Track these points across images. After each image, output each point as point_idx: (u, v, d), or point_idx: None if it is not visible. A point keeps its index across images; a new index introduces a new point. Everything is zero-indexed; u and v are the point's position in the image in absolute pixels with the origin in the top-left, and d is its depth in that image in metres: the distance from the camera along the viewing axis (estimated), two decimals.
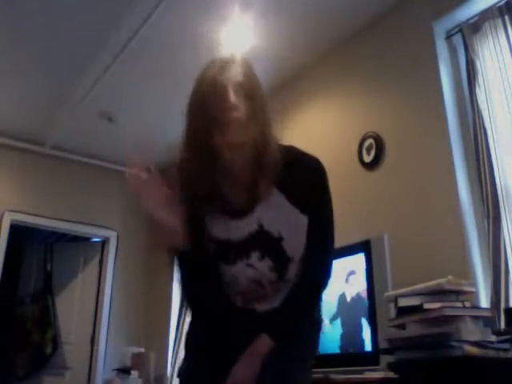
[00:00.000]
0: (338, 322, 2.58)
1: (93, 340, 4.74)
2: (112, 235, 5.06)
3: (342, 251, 2.52)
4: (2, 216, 4.49)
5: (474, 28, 2.56)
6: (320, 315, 1.42)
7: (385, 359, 2.00)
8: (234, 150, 1.19)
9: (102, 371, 4.61)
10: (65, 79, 3.81)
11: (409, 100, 2.83)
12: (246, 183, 1.24)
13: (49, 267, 5.15)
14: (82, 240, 5.25)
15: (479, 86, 2.44)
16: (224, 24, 3.12)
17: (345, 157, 3.08)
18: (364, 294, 2.48)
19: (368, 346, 2.41)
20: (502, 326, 1.96)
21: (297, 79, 3.63)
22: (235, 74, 1.20)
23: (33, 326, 4.94)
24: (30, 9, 3.09)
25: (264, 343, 1.21)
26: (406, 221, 2.63)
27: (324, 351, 2.46)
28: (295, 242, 1.27)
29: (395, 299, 1.93)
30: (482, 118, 2.38)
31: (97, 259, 5.06)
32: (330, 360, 2.46)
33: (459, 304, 1.73)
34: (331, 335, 2.58)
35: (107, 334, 4.75)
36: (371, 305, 2.38)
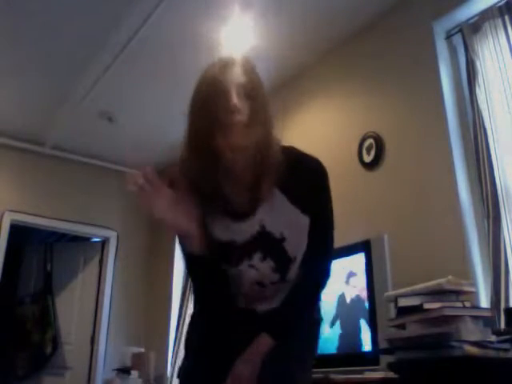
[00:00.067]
0: (337, 322, 2.58)
1: (93, 340, 4.74)
2: (112, 235, 5.06)
3: (342, 251, 2.52)
4: (2, 216, 4.49)
5: (473, 28, 2.56)
6: (319, 315, 1.42)
7: (385, 359, 2.00)
8: (236, 152, 1.19)
9: (102, 371, 4.62)
10: (65, 79, 3.81)
11: (409, 100, 2.83)
12: (248, 183, 1.24)
13: (49, 267, 5.15)
14: (82, 240, 5.25)
15: (479, 86, 2.44)
16: (224, 24, 3.12)
17: (345, 157, 3.08)
18: (364, 296, 2.48)
19: (366, 347, 2.42)
20: (502, 325, 1.96)
21: (297, 79, 3.63)
22: (238, 74, 1.20)
23: (33, 326, 4.95)
24: (29, 9, 3.09)
25: (264, 342, 1.21)
26: (406, 221, 2.63)
27: (322, 351, 2.47)
28: (297, 243, 1.27)
29: (395, 299, 1.93)
30: (482, 118, 2.38)
31: (97, 259, 5.06)
32: (330, 360, 2.47)
33: (459, 304, 1.73)
34: (330, 335, 2.58)
35: (107, 334, 4.76)
36: (371, 305, 2.38)
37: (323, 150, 2.98)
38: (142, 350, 4.43)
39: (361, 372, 2.18)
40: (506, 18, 2.40)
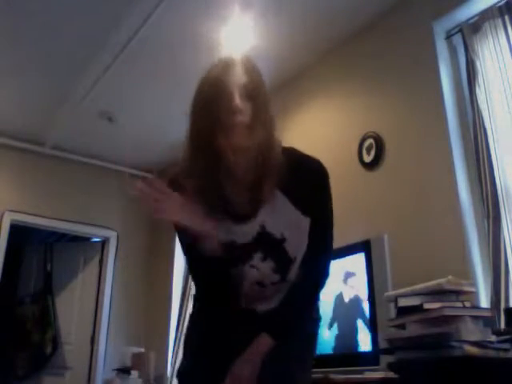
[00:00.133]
0: (335, 323, 2.59)
1: (93, 340, 4.74)
2: (112, 235, 5.06)
3: (342, 251, 2.52)
4: (2, 216, 4.49)
5: (473, 28, 2.56)
6: (318, 314, 1.42)
7: (385, 359, 2.00)
8: (238, 153, 1.19)
9: (102, 371, 4.61)
10: (65, 79, 3.81)
11: (409, 100, 2.83)
12: (249, 184, 1.24)
13: (49, 267, 5.15)
14: (82, 240, 5.25)
15: (479, 86, 2.44)
16: (224, 24, 3.12)
17: (345, 157, 3.08)
18: (362, 297, 2.49)
19: (363, 348, 2.43)
20: (502, 325, 1.96)
21: (297, 79, 3.63)
22: (240, 75, 1.20)
23: (33, 326, 4.94)
24: (30, 9, 3.09)
25: (264, 342, 1.21)
26: (406, 221, 2.63)
27: (320, 352, 2.47)
28: (297, 243, 1.27)
29: (395, 299, 1.93)
30: (482, 118, 2.38)
31: (97, 259, 5.06)
32: (328, 360, 2.47)
33: (459, 304, 1.73)
34: (327, 335, 2.58)
35: (107, 334, 4.76)
36: (371, 305, 2.38)
37: (323, 150, 2.99)
38: (142, 350, 4.43)
39: (361, 372, 2.18)
40: (506, 18, 2.40)
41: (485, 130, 2.36)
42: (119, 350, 4.57)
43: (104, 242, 5.10)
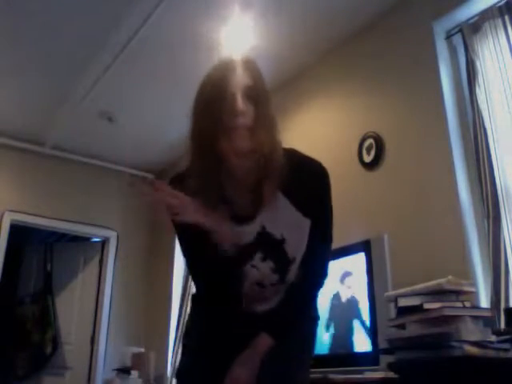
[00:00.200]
0: (331, 323, 2.59)
1: (93, 340, 4.74)
2: (112, 235, 5.06)
3: (342, 251, 2.53)
4: (2, 216, 4.49)
5: (474, 28, 2.56)
6: (317, 313, 1.42)
7: (385, 359, 2.00)
8: (240, 156, 1.19)
9: (102, 371, 4.61)
10: (65, 79, 3.81)
11: (409, 100, 2.83)
12: (250, 185, 1.24)
13: (49, 267, 5.15)
14: (82, 240, 5.25)
15: (479, 86, 2.44)
16: (224, 24, 3.12)
17: (345, 157, 3.08)
18: (358, 297, 2.49)
19: (358, 348, 2.44)
20: (502, 325, 1.96)
21: (297, 79, 3.63)
22: (243, 77, 1.20)
23: (33, 326, 4.94)
24: (30, 9, 3.09)
25: (263, 342, 1.21)
26: (406, 221, 2.63)
27: (318, 352, 2.47)
28: (297, 244, 1.28)
29: (395, 299, 1.93)
30: (482, 118, 2.38)
31: (97, 259, 5.06)
32: (327, 360, 2.47)
33: (459, 304, 1.73)
34: (324, 335, 2.59)
35: (107, 334, 4.75)
36: (371, 305, 2.38)
37: (323, 150, 3.00)
38: (142, 350, 4.43)
39: (361, 372, 2.18)
40: (506, 18, 2.40)
41: (485, 129, 2.36)
42: (119, 350, 4.57)
43: (104, 242, 5.09)
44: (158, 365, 4.36)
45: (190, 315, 1.49)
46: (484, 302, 2.21)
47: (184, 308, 4.27)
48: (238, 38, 3.23)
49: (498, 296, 2.09)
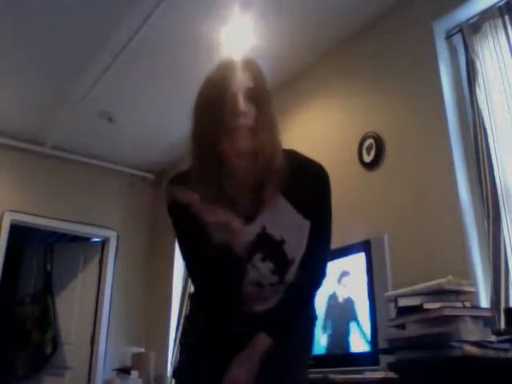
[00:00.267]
0: (328, 322, 2.60)
1: (93, 340, 4.74)
2: (112, 235, 5.06)
3: (342, 251, 2.53)
4: (2, 216, 4.49)
5: (474, 28, 2.56)
6: (314, 312, 1.42)
7: (385, 359, 2.00)
8: (241, 157, 1.19)
9: (102, 371, 4.61)
10: (65, 79, 3.81)
11: (409, 100, 2.83)
12: (250, 186, 1.25)
13: (49, 267, 5.15)
14: (82, 240, 5.25)
15: (479, 86, 2.44)
16: (224, 24, 3.12)
17: (345, 157, 3.08)
18: (354, 297, 2.50)
19: (354, 348, 2.44)
20: (502, 325, 1.96)
21: (297, 79, 3.63)
22: (245, 77, 1.21)
23: (33, 326, 4.94)
24: (30, 9, 3.09)
25: (262, 342, 1.21)
26: (406, 221, 2.63)
27: (315, 352, 2.48)
28: (296, 246, 1.28)
29: (395, 299, 1.93)
30: (482, 118, 2.38)
31: (97, 259, 5.06)
32: (328, 360, 2.47)
33: (459, 304, 1.73)
34: (320, 334, 2.59)
35: (107, 334, 4.75)
36: (371, 305, 2.38)
37: (323, 150, 3.00)
38: (142, 350, 4.43)
39: (361, 372, 2.18)
40: (506, 18, 2.40)
41: (485, 129, 2.36)
42: (119, 350, 4.57)
43: (104, 242, 5.09)
44: (158, 365, 4.37)
45: (188, 314, 1.49)
46: (484, 302, 2.21)
47: (184, 308, 4.27)
48: (238, 38, 3.23)
49: (498, 296, 2.09)
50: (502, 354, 1.61)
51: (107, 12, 3.11)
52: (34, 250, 5.33)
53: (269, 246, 1.27)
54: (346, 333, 2.49)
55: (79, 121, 4.35)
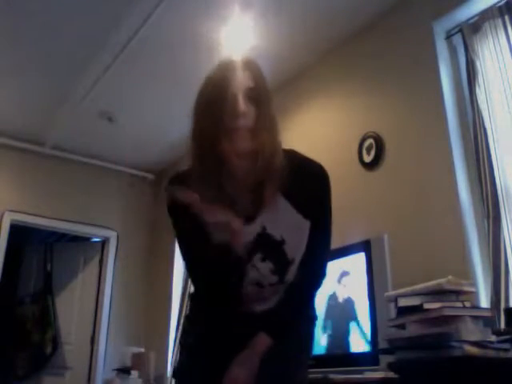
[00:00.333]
0: (328, 322, 2.60)
1: (93, 340, 4.74)
2: (112, 235, 5.06)
3: (342, 251, 2.53)
4: (2, 216, 4.49)
5: (474, 28, 2.56)
6: (315, 313, 1.42)
7: (385, 359, 2.00)
8: (241, 157, 1.19)
9: (102, 371, 4.61)
10: (65, 79, 3.81)
11: (409, 100, 2.83)
12: (250, 186, 1.25)
13: (49, 267, 5.15)
14: (82, 240, 5.25)
15: (479, 86, 2.44)
16: (224, 24, 3.12)
17: (345, 157, 3.08)
18: (355, 297, 2.49)
19: (354, 348, 2.44)
20: (502, 325, 1.96)
21: (297, 79, 3.63)
22: (245, 77, 1.21)
23: (33, 326, 4.94)
24: (30, 9, 3.09)
25: (262, 342, 1.21)
26: (406, 221, 2.63)
27: (315, 352, 2.48)
28: (296, 246, 1.28)
29: (395, 299, 1.93)
30: (482, 118, 2.38)
31: (97, 259, 5.06)
32: (327, 360, 2.47)
33: (459, 304, 1.73)
34: (320, 334, 2.59)
35: (107, 334, 4.75)
36: (371, 305, 2.38)
37: (323, 150, 3.00)
38: (142, 350, 4.43)
39: (361, 372, 2.18)
40: (506, 18, 2.40)
41: (485, 129, 2.36)
42: (119, 350, 4.57)
43: (104, 242, 5.09)
44: (158, 365, 4.37)
45: (188, 314, 1.49)
46: (484, 302, 2.21)
47: (184, 308, 4.27)
48: (238, 38, 3.23)
49: (498, 296, 2.09)
50: (502, 354, 1.61)
51: (107, 12, 3.11)
52: (33, 249, 5.33)
53: (269, 246, 1.27)
54: (346, 333, 2.49)
55: (79, 121, 4.35)
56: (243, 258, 1.25)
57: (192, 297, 1.48)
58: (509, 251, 2.16)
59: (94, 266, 5.04)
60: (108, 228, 5.05)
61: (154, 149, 4.81)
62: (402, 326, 1.85)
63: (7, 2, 3.05)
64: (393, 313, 1.99)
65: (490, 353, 1.61)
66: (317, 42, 3.34)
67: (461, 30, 2.61)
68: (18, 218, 4.58)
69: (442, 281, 1.79)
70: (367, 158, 2.94)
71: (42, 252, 5.23)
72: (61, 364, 4.76)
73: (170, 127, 4.25)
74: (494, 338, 1.68)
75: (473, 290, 1.89)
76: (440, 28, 2.73)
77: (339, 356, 2.53)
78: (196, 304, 1.45)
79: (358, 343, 2.43)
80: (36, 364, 4.80)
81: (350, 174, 3.01)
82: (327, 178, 1.32)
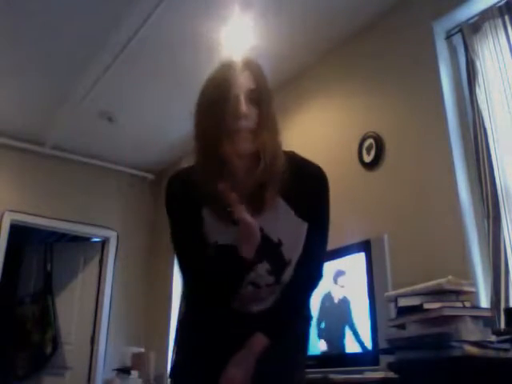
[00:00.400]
0: (322, 322, 2.60)
1: (93, 340, 4.74)
2: (112, 235, 5.06)
3: (342, 251, 2.53)
4: (2, 216, 4.49)
5: (474, 28, 2.56)
6: (310, 313, 1.43)
7: (385, 359, 2.00)
8: (243, 158, 1.20)
9: (102, 371, 4.61)
10: (65, 79, 3.81)
11: (409, 100, 2.83)
12: (250, 187, 1.25)
13: (49, 267, 5.15)
14: (82, 240, 5.25)
15: (479, 85, 2.44)
16: (224, 24, 3.12)
17: (345, 157, 3.08)
18: (355, 297, 2.50)
19: (348, 349, 2.45)
20: (502, 325, 1.96)
21: (297, 79, 3.63)
22: (246, 78, 1.21)
23: (33, 326, 4.94)
24: (30, 9, 3.09)
25: (259, 342, 1.21)
26: (406, 221, 2.63)
27: (316, 352, 2.48)
28: (293, 247, 1.28)
29: (395, 299, 1.93)
30: (482, 118, 2.38)
31: (97, 259, 5.05)
32: (329, 360, 2.47)
33: (459, 304, 1.73)
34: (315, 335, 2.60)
35: (107, 334, 4.75)
36: (371, 305, 2.38)
37: (323, 150, 3.00)
38: (142, 350, 4.43)
39: (361, 372, 2.18)
40: (506, 17, 2.40)
41: (485, 129, 2.36)
42: (119, 350, 4.57)
43: (104, 242, 5.09)
44: (158, 365, 4.37)
45: (184, 314, 1.48)
46: (484, 302, 2.21)
47: (183, 306, 4.27)
48: (238, 38, 3.23)
49: (498, 296, 2.09)
50: (502, 354, 1.61)
51: (107, 12, 3.11)
52: (34, 249, 5.33)
53: (266, 247, 1.26)
54: (344, 333, 2.49)
55: (79, 121, 4.35)
56: (250, 259, 1.24)
57: (186, 296, 1.47)
58: (509, 251, 2.16)
59: (93, 266, 5.04)
60: (108, 228, 5.05)
61: (154, 149, 4.81)
62: (402, 326, 1.85)
63: (7, 2, 3.05)
64: (393, 313, 1.99)
65: (490, 353, 1.61)
66: (317, 42, 3.34)
67: (461, 30, 2.61)
68: (17, 218, 4.58)
69: (442, 281, 1.80)
70: (367, 158, 2.94)
71: (42, 252, 5.23)
72: (61, 364, 4.76)
73: (169, 127, 4.25)
74: (494, 338, 1.68)
75: (473, 289, 1.90)
76: (440, 28, 2.73)
77: (339, 356, 2.53)
78: (191, 303, 1.44)
79: (353, 344, 2.43)
80: (36, 364, 4.80)
81: (350, 173, 3.01)
82: (326, 180, 1.32)
